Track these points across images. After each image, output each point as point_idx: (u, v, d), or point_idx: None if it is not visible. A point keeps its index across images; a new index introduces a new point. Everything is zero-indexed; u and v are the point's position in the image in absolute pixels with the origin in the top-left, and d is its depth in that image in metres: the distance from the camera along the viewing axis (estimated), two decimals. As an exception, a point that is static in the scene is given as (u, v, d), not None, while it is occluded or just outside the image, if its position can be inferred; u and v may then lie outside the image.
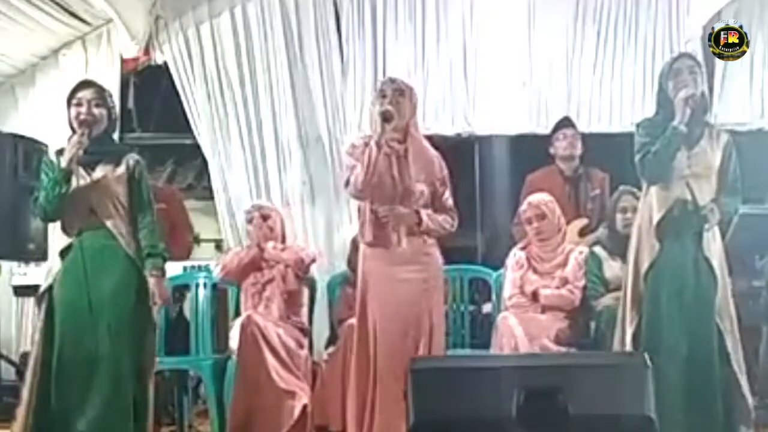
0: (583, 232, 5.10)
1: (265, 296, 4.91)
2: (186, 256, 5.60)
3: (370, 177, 3.87)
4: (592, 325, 4.61)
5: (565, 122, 5.50)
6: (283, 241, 5.09)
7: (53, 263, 3.93)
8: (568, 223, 4.99)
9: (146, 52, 6.29)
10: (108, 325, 3.77)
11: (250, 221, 5.06)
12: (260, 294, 4.92)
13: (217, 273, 5.06)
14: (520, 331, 4.36)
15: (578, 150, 5.35)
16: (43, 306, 3.85)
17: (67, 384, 3.75)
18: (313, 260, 5.08)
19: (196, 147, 6.29)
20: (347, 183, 3.97)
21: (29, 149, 5.35)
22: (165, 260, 3.96)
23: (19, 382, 5.58)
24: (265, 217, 5.03)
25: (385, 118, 3.88)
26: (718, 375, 3.77)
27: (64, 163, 3.79)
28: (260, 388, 4.59)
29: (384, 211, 3.93)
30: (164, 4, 6.25)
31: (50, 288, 3.87)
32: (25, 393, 3.83)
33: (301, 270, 4.98)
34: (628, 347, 3.85)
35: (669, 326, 3.80)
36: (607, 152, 5.43)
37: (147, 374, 3.87)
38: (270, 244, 4.97)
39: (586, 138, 5.52)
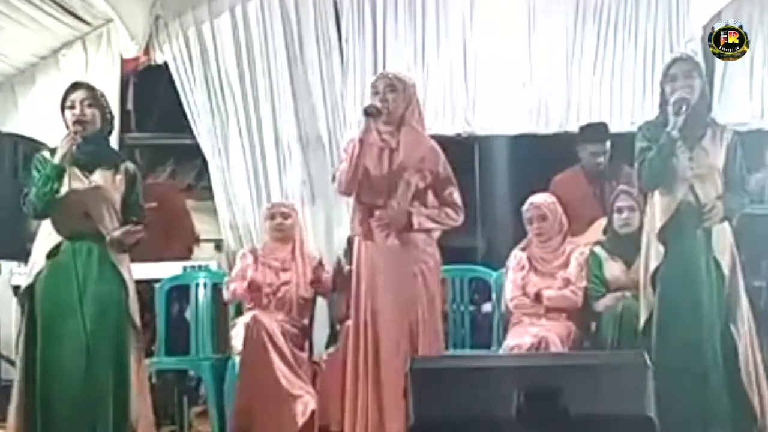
0: (607, 230, 5.07)
1: (277, 297, 4.90)
2: (186, 253, 5.59)
3: (353, 174, 3.88)
4: (593, 325, 4.61)
5: (602, 134, 5.32)
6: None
7: (35, 262, 3.90)
8: (592, 222, 4.98)
9: (146, 52, 6.29)
10: (89, 328, 3.76)
11: (272, 217, 5.04)
12: (274, 294, 4.91)
13: (227, 296, 5.00)
14: None
15: (608, 154, 5.30)
16: (26, 305, 3.85)
17: (50, 384, 3.75)
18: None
19: (196, 147, 6.29)
20: (333, 179, 3.99)
21: (29, 149, 5.32)
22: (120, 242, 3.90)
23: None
24: (285, 216, 5.04)
25: (368, 113, 3.88)
26: (723, 377, 3.78)
27: (57, 160, 3.79)
28: (265, 390, 4.57)
29: (374, 220, 3.92)
30: (164, 4, 6.25)
31: (31, 286, 3.85)
32: (14, 393, 3.83)
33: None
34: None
35: (678, 329, 3.81)
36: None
37: (127, 380, 3.85)
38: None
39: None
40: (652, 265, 3.90)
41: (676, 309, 3.83)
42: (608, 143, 5.27)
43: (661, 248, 3.87)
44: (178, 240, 5.66)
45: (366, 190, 3.94)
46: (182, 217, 5.82)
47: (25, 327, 3.86)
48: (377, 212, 3.92)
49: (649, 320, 3.91)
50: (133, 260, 4.04)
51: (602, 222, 5.05)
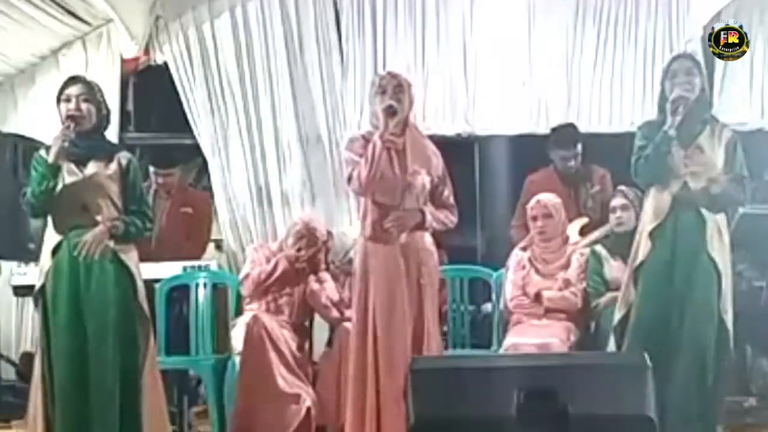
0: (583, 231, 5.09)
1: (279, 303, 4.90)
2: (200, 254, 5.61)
3: (373, 173, 3.85)
4: (592, 325, 4.61)
5: (571, 136, 5.38)
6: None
7: (44, 262, 3.91)
8: (569, 222, 4.99)
9: (146, 52, 6.29)
10: (96, 323, 3.78)
11: (313, 244, 4.96)
12: (276, 301, 4.91)
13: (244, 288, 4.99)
14: None
15: (579, 157, 5.33)
16: (39, 306, 3.87)
17: (63, 383, 3.77)
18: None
19: (196, 147, 6.30)
20: (350, 179, 3.93)
21: (29, 149, 5.31)
22: (127, 233, 3.91)
23: (19, 382, 5.60)
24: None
25: (391, 112, 3.86)
26: (712, 372, 3.78)
27: (50, 158, 3.78)
28: (264, 390, 4.57)
29: (389, 221, 3.91)
30: (164, 4, 6.25)
31: (43, 287, 3.87)
32: (33, 392, 3.85)
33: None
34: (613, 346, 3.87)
35: (664, 324, 3.81)
36: (607, 152, 5.43)
37: (138, 373, 3.86)
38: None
39: (586, 138, 5.51)
40: (638, 260, 3.90)
41: (662, 306, 3.82)
42: (579, 145, 5.30)
43: (649, 244, 3.87)
44: (194, 244, 5.67)
45: (380, 190, 3.93)
46: (207, 226, 5.86)
47: (40, 327, 3.86)
48: (393, 213, 3.91)
49: (626, 316, 3.90)
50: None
51: (578, 222, 5.09)
